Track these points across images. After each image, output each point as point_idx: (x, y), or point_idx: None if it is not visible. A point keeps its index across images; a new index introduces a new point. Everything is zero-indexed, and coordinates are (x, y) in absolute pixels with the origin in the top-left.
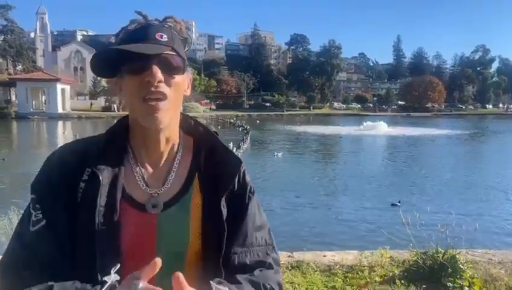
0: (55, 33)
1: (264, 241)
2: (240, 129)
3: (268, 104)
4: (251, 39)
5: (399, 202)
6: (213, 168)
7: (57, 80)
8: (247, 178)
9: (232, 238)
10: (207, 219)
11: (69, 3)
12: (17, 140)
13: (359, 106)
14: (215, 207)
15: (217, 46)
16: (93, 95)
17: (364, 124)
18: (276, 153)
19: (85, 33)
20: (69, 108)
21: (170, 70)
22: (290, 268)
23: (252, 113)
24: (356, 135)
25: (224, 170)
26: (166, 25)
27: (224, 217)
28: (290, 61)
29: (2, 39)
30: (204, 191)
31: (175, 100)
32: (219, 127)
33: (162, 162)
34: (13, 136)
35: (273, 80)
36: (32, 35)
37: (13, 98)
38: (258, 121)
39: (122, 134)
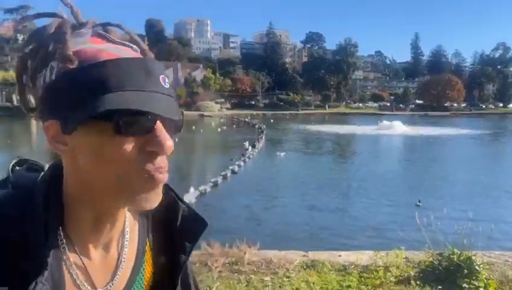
0: None
1: None
2: (256, 128)
3: (282, 103)
4: (266, 38)
5: (419, 201)
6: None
7: None
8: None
9: None
10: None
11: (87, 3)
12: (36, 139)
13: (376, 105)
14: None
15: (232, 45)
16: None
17: (381, 123)
18: (278, 153)
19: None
20: None
21: (174, 132)
22: (305, 267)
23: (266, 112)
24: (372, 134)
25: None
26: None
27: None
28: (306, 60)
29: (21, 39)
30: (154, 264)
31: None
32: (234, 126)
33: (111, 249)
34: (33, 134)
35: (288, 78)
36: None
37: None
38: (272, 120)
39: (52, 216)
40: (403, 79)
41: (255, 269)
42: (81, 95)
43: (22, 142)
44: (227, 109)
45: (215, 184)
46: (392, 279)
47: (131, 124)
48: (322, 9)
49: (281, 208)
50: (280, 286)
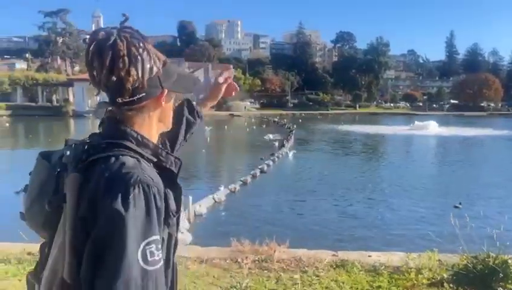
0: None
1: None
2: (285, 128)
3: (312, 103)
4: (296, 38)
5: (460, 203)
6: None
7: None
8: None
9: None
10: None
11: (122, 6)
12: (74, 137)
13: (408, 104)
14: None
15: (262, 45)
16: None
17: (414, 123)
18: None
19: None
20: None
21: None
22: (334, 267)
23: (295, 112)
24: (404, 134)
25: None
26: None
27: None
28: (336, 60)
29: (61, 41)
30: None
31: None
32: (264, 126)
33: None
34: (70, 133)
35: (317, 78)
36: (87, 37)
37: (71, 97)
38: (301, 120)
39: (159, 147)
40: (437, 78)
41: (285, 267)
42: (175, 76)
43: (61, 140)
44: (257, 108)
45: (245, 183)
46: (424, 281)
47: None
48: (353, 9)
49: (311, 207)
50: (310, 285)
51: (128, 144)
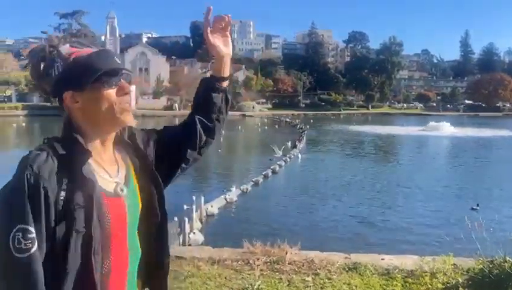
0: (123, 36)
1: None
2: (297, 128)
3: (324, 104)
4: (308, 38)
5: (477, 205)
6: (135, 155)
7: None
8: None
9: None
10: (143, 190)
11: (136, 7)
12: None
13: (421, 105)
14: (146, 182)
15: (274, 45)
16: (156, 95)
17: (427, 124)
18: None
19: (150, 35)
20: (134, 107)
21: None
22: (347, 269)
23: (307, 112)
24: (417, 135)
25: (138, 152)
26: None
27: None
28: (348, 60)
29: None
30: (136, 172)
31: None
32: (277, 126)
33: (111, 156)
34: None
35: (330, 78)
36: (102, 38)
37: None
38: (313, 121)
39: (77, 140)
40: (451, 78)
41: (296, 269)
42: (90, 70)
43: None
44: (269, 109)
45: (256, 183)
46: (439, 285)
47: (109, 82)
48: (365, 8)
49: (322, 209)
50: (322, 287)
51: (50, 139)
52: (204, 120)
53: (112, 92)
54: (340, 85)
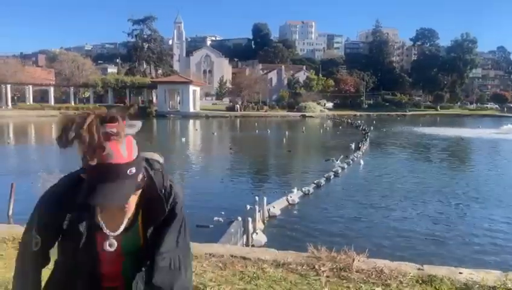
0: (189, 39)
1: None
2: (360, 129)
3: (388, 104)
4: (372, 36)
5: None
6: (148, 205)
7: (190, 82)
8: (176, 208)
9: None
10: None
11: (201, 10)
12: (156, 135)
13: (496, 106)
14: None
15: (336, 45)
16: (219, 96)
17: (503, 126)
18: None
19: (214, 38)
20: (198, 108)
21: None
22: (420, 282)
23: (370, 113)
24: (491, 138)
25: (154, 208)
26: None
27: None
28: (415, 58)
29: (146, 47)
30: (143, 221)
31: None
32: (340, 127)
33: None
34: (153, 131)
35: (395, 78)
36: (170, 42)
37: (154, 98)
38: (376, 121)
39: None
40: None
41: (365, 278)
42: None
43: (143, 138)
44: (330, 109)
45: (318, 185)
46: None
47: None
48: (434, 4)
49: (387, 215)
50: None
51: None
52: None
53: None
54: (405, 85)
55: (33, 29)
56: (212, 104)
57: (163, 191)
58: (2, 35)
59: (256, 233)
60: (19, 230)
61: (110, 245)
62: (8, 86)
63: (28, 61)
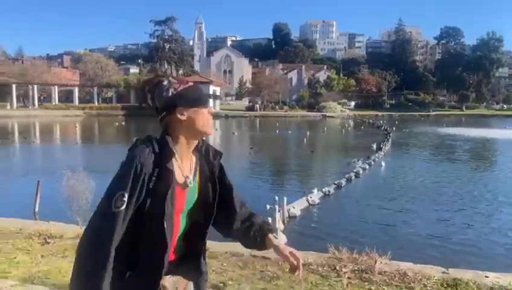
0: (209, 40)
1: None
2: (381, 129)
3: (411, 104)
4: (395, 35)
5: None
6: (205, 163)
7: (210, 82)
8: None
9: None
10: (202, 189)
11: (222, 11)
12: None
13: None
14: (206, 183)
15: (357, 44)
16: (239, 96)
17: None
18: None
19: (234, 38)
20: (218, 107)
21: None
22: (445, 286)
23: (393, 113)
24: None
25: (208, 164)
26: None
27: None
28: (439, 57)
29: (167, 47)
30: (200, 175)
31: None
32: (362, 127)
33: (190, 158)
34: None
35: (418, 77)
36: (191, 42)
37: None
38: (398, 122)
39: (168, 143)
40: None
41: (387, 280)
42: (198, 94)
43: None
44: (350, 109)
45: (339, 186)
46: None
47: (206, 105)
48: (459, 2)
49: (410, 217)
50: None
51: (148, 139)
52: (237, 231)
53: (205, 110)
54: (429, 84)
55: (59, 31)
56: (227, 104)
57: (211, 154)
58: (30, 37)
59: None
60: (44, 227)
61: (191, 182)
62: (35, 87)
63: (53, 62)
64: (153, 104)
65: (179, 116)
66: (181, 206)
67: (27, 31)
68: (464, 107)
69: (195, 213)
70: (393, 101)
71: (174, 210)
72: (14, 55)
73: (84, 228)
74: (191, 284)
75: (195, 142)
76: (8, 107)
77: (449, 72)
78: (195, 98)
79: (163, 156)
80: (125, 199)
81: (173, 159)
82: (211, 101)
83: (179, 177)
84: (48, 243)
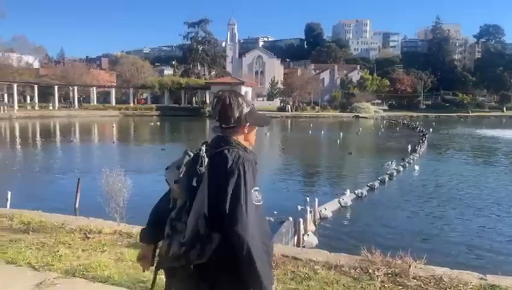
0: (242, 41)
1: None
2: (417, 131)
3: (448, 105)
4: (432, 34)
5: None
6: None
7: (242, 83)
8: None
9: None
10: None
11: (254, 12)
12: (209, 135)
13: None
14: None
15: (392, 43)
16: (270, 97)
17: None
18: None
19: (266, 39)
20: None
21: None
22: None
23: (429, 114)
24: None
25: None
26: None
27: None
28: (479, 56)
29: (201, 49)
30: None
31: None
32: (397, 128)
33: None
34: (206, 132)
35: (456, 77)
36: (223, 44)
37: (207, 99)
38: (435, 123)
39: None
40: None
41: (422, 286)
42: (261, 118)
43: (199, 137)
44: (384, 110)
45: (372, 188)
46: None
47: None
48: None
49: (445, 221)
50: None
51: (233, 144)
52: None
53: (255, 130)
54: (468, 84)
55: (97, 34)
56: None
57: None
58: (71, 40)
59: (308, 234)
60: (84, 222)
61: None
62: (75, 88)
63: (92, 64)
64: (218, 115)
65: (245, 130)
66: None
67: (68, 34)
68: (504, 108)
69: None
70: (430, 102)
71: None
72: (56, 58)
73: (121, 224)
74: None
75: None
76: (51, 107)
77: (489, 72)
78: (260, 120)
79: (252, 155)
80: (260, 194)
81: None
82: None
83: None
84: (88, 238)
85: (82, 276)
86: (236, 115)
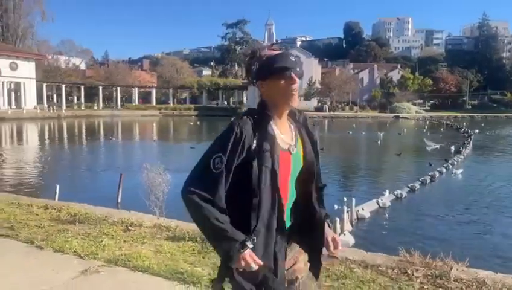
0: (279, 41)
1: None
2: (461, 132)
3: (496, 105)
4: (478, 31)
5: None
6: (305, 132)
7: None
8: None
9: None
10: (307, 157)
11: (291, 13)
12: None
13: None
14: (309, 148)
15: (435, 41)
16: (308, 96)
17: None
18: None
19: (304, 39)
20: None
21: (299, 77)
22: None
23: (474, 114)
24: None
25: (308, 133)
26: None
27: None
28: None
29: (238, 49)
30: (302, 144)
31: None
32: (441, 130)
33: (286, 127)
34: None
35: (504, 76)
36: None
37: (244, 99)
38: (481, 124)
39: (266, 112)
40: None
41: (464, 288)
42: (270, 67)
43: None
44: (426, 110)
45: (412, 189)
46: None
47: (283, 75)
48: None
49: (486, 225)
50: None
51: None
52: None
53: (283, 82)
54: None
55: (139, 37)
56: None
57: (308, 124)
58: (115, 42)
59: (344, 234)
60: (126, 215)
61: (293, 149)
62: (118, 89)
63: (134, 65)
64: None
65: (261, 88)
66: (287, 172)
67: (113, 37)
68: None
69: (302, 182)
70: (476, 102)
71: (280, 174)
72: (101, 60)
73: (161, 218)
74: (305, 257)
75: (285, 111)
76: (96, 107)
77: None
78: (267, 69)
79: (262, 120)
80: (224, 161)
81: (272, 123)
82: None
83: (281, 142)
84: (129, 230)
85: (124, 265)
86: (250, 74)
